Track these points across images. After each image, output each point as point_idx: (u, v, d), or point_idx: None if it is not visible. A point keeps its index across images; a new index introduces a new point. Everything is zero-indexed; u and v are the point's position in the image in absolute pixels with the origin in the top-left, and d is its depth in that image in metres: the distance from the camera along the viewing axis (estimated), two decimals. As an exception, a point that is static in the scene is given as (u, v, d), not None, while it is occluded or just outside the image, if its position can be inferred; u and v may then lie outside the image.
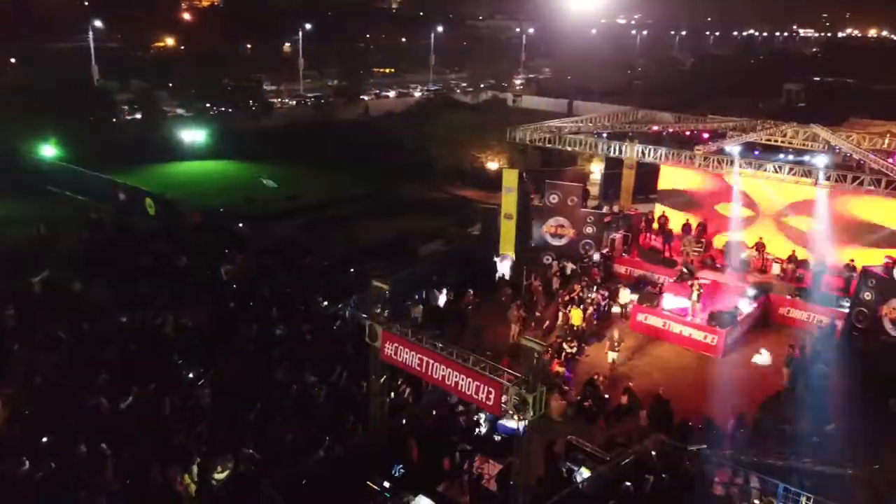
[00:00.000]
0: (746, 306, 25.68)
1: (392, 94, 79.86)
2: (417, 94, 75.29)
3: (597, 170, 42.83)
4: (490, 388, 13.42)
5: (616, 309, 26.88)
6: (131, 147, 47.57)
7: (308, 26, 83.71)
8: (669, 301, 25.43)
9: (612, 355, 22.43)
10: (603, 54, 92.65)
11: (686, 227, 30.66)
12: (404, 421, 17.58)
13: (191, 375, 19.12)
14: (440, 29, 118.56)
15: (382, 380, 16.14)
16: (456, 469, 16.38)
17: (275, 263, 27.62)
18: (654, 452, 16.48)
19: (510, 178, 28.00)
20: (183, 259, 28.01)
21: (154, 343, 20.89)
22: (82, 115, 45.96)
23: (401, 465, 16.03)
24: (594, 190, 40.29)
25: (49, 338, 20.90)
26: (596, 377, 21.26)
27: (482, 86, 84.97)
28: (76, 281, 24.54)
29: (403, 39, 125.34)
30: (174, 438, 16.48)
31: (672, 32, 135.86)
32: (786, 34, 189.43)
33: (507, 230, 28.55)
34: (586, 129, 30.85)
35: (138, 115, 54.85)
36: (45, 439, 16.02)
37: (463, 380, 13.86)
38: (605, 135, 31.82)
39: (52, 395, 17.99)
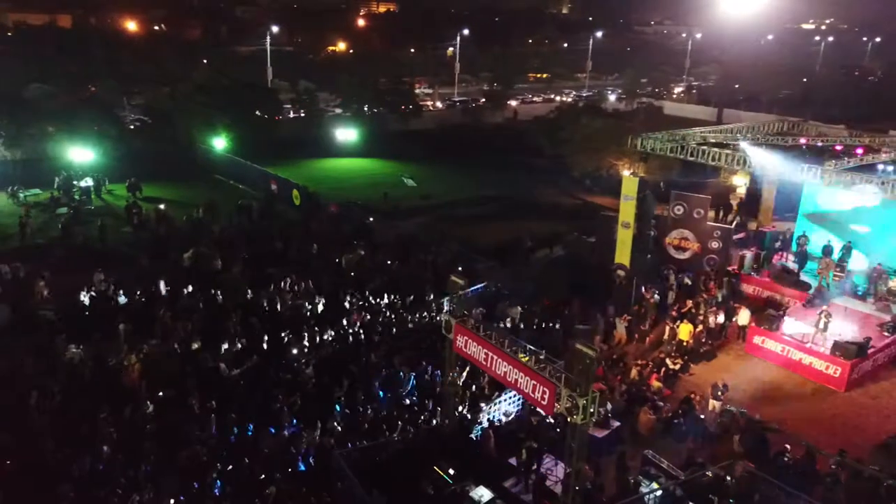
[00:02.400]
0: (882, 339, 23.38)
1: (538, 99, 79.97)
2: (567, 99, 74.79)
3: (742, 183, 40.48)
4: (545, 389, 13.64)
5: (734, 331, 25.51)
6: (291, 143, 51.80)
7: (466, 32, 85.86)
8: (791, 326, 23.80)
9: (713, 404, 20.32)
10: (776, 61, 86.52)
11: (827, 250, 28.35)
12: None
13: (295, 351, 20.91)
14: (604, 34, 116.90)
15: (465, 371, 16.79)
16: (524, 466, 16.68)
17: (392, 257, 29.09)
18: (728, 478, 15.73)
19: (630, 186, 27.46)
20: (314, 246, 30.35)
21: (271, 319, 23.01)
22: (251, 112, 50.75)
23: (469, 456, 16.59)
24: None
25: (188, 307, 23.74)
26: (693, 396, 20.55)
27: (639, 92, 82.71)
28: (217, 259, 27.50)
29: (565, 45, 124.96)
30: (272, 405, 18.21)
31: (865, 39, 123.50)
32: None
33: (624, 239, 28.02)
34: (722, 139, 29.49)
35: (301, 114, 59.55)
36: (160, 393, 18.35)
37: (522, 377, 14.19)
38: (742, 145, 30.20)
39: (181, 357, 20.52)
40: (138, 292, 24.68)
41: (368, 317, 23.41)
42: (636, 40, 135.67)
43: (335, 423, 17.42)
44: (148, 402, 17.90)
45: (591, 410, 13.22)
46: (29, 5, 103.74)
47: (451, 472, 15.99)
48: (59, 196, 36.90)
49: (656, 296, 26.02)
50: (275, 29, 72.73)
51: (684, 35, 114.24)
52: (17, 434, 16.46)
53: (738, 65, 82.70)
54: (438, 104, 74.52)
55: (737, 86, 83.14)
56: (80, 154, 40.48)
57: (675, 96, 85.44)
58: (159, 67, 65.12)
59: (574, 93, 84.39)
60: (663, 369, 22.45)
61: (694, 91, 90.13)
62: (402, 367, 20.02)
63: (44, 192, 37.39)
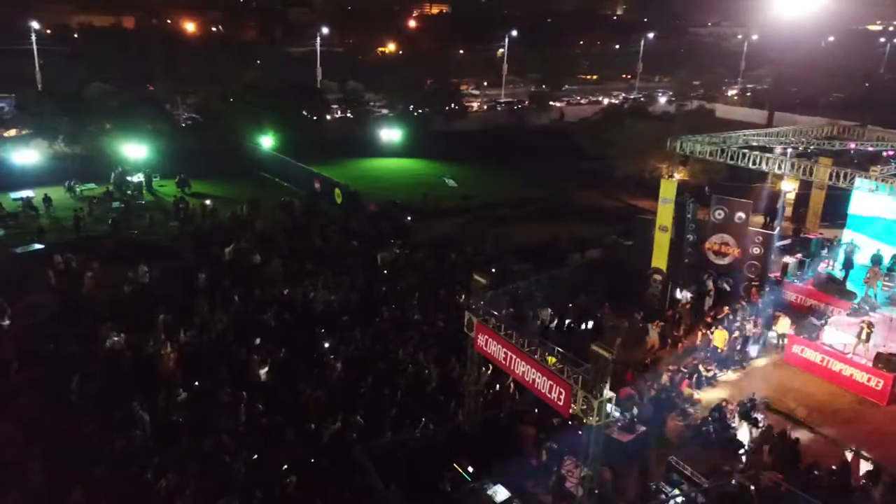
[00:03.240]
0: (929, 353, 22.42)
1: (584, 101, 79.27)
2: (614, 101, 73.90)
3: (791, 188, 39.33)
4: (562, 389, 13.62)
5: (772, 338, 24.87)
6: (337, 142, 52.64)
7: (514, 33, 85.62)
8: (831, 335, 23.06)
9: (747, 427, 19.13)
10: (836, 64, 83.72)
11: (876, 259, 27.35)
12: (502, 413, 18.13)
13: (326, 345, 21.31)
14: (658, 36, 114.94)
15: (488, 370, 16.83)
16: (544, 467, 16.65)
17: (426, 255, 29.31)
18: (752, 487, 15.41)
19: (668, 189, 27.00)
20: (353, 244, 30.84)
21: (304, 314, 23.50)
22: (298, 111, 51.74)
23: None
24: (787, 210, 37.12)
25: (225, 299, 24.43)
26: (725, 404, 20.13)
27: (690, 94, 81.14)
28: (256, 254, 28.20)
29: (617, 46, 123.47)
30: (300, 398, 18.63)
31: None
32: None
33: (661, 243, 27.56)
34: (766, 142, 28.73)
35: (348, 114, 60.38)
36: (196, 383, 18.97)
37: (539, 377, 14.19)
38: (788, 149, 29.40)
39: (216, 348, 21.16)
40: (180, 284, 25.52)
41: (399, 313, 23.64)
42: (691, 42, 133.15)
43: (358, 418, 17.69)
44: (181, 391, 18.54)
45: (608, 412, 13.11)
46: (94, 7, 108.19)
47: (470, 469, 16.10)
48: (113, 191, 38.34)
49: (690, 301, 25.51)
50: (325, 30, 73.78)
51: (740, 36, 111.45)
52: (58, 415, 17.26)
53: (796, 67, 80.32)
54: (484, 105, 74.49)
55: (794, 89, 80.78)
56: (134, 150, 41.98)
57: (729, 99, 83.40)
58: (214, 67, 66.98)
59: (623, 94, 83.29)
60: (695, 376, 22.05)
61: (748, 94, 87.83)
62: (429, 364, 20.18)
63: (98, 187, 38.92)
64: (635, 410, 19.28)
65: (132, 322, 22.40)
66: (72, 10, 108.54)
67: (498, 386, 19.31)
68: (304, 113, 52.21)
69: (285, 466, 15.85)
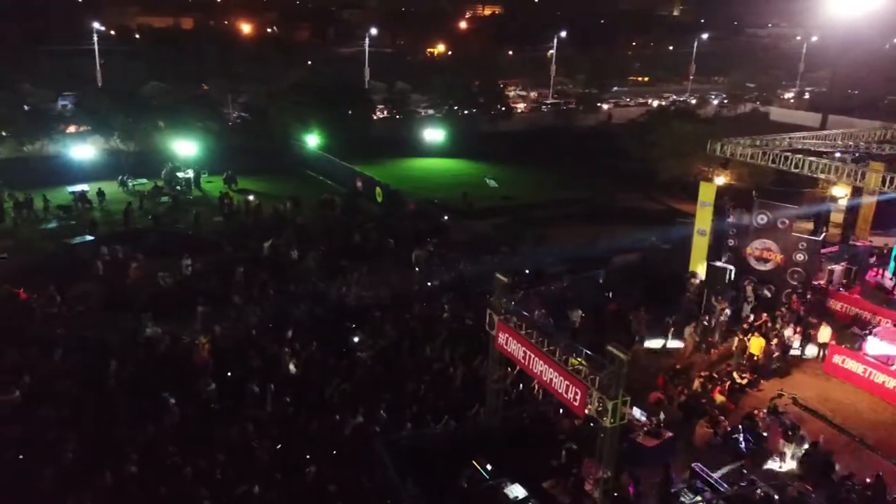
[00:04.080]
0: (979, 367, 21.46)
1: (631, 102, 78.14)
2: (662, 103, 72.53)
3: (843, 194, 38.00)
4: (577, 389, 13.55)
5: (812, 349, 24.14)
6: (381, 142, 53.16)
7: (563, 34, 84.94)
8: (874, 346, 22.27)
9: (787, 455, 18.15)
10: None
11: (930, 268, 26.33)
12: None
13: (356, 340, 21.63)
14: (714, 37, 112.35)
15: (517, 370, 16.81)
16: (563, 468, 16.56)
17: (464, 255, 29.40)
18: (776, 496, 15.02)
19: (707, 192, 26.54)
20: (390, 242, 31.16)
21: (337, 309, 23.88)
22: (344, 111, 52.46)
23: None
24: (837, 217, 35.89)
25: (261, 293, 25.02)
26: (756, 413, 19.66)
27: (744, 96, 79.09)
28: (294, 249, 28.77)
29: (671, 47, 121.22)
30: (325, 391, 18.97)
31: None
32: None
33: (700, 246, 27.08)
34: (814, 146, 27.92)
35: (395, 115, 60.88)
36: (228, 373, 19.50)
37: (556, 377, 14.14)
38: (841, 153, 28.53)
39: (248, 340, 21.69)
40: (219, 277, 26.24)
41: (430, 311, 23.82)
42: (748, 43, 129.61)
43: (381, 412, 17.91)
44: (211, 381, 19.08)
45: (626, 415, 12.99)
46: (156, 9, 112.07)
47: (489, 467, 16.13)
48: (163, 186, 39.61)
49: (728, 307, 24.93)
50: (374, 31, 74.57)
51: (799, 38, 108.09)
52: (94, 399, 17.97)
53: (856, 69, 77.49)
54: (530, 106, 74.17)
55: (856, 91, 77.98)
56: (185, 147, 43.25)
57: (785, 102, 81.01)
58: (265, 67, 68.48)
59: (674, 96, 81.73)
60: (728, 383, 21.57)
61: (806, 97, 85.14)
62: (455, 362, 20.28)
63: (149, 182, 40.24)
64: (662, 415, 18.99)
65: (173, 312, 23.17)
66: (136, 11, 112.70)
67: (521, 385, 19.25)
68: (350, 113, 52.80)
69: (308, 456, 16.15)
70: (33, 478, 14.74)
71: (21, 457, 15.62)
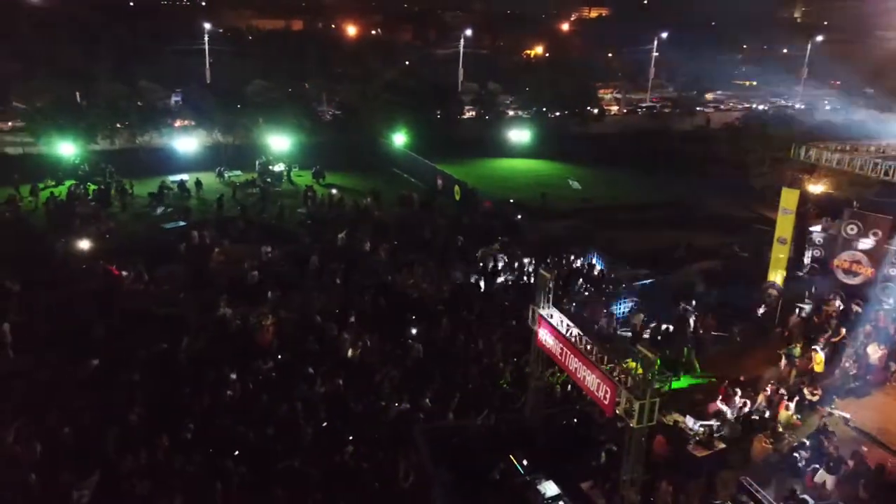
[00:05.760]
0: None
1: (726, 106, 74.74)
2: (763, 107, 69.03)
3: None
4: (607, 388, 13.36)
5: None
6: (468, 142, 53.63)
7: (664, 35, 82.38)
8: (967, 371, 20.48)
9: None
10: None
11: None
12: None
13: (414, 331, 22.10)
14: (834, 40, 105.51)
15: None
16: (602, 470, 16.30)
17: (533, 254, 29.29)
18: (823, 518, 14.18)
19: (789, 199, 25.18)
20: (459, 238, 31.50)
21: (399, 301, 24.43)
22: (432, 111, 53.28)
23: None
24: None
25: (330, 281, 25.98)
26: (824, 428, 18.56)
27: (862, 104, 73.82)
28: (367, 241, 29.64)
29: (785, 50, 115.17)
30: (375, 376, 19.52)
31: None
32: None
33: (779, 255, 25.73)
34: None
35: (484, 115, 61.17)
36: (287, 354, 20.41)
37: (589, 375, 13.98)
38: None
39: (311, 324, 22.62)
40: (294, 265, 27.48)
41: (489, 307, 23.97)
42: (874, 47, 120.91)
43: (426, 400, 18.24)
44: (271, 360, 20.05)
45: (651, 415, 12.70)
46: (269, 12, 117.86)
47: (525, 462, 16.11)
48: (255, 178, 41.70)
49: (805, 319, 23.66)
50: (468, 33, 75.21)
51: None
52: (163, 371, 19.31)
53: None
54: (624, 109, 72.55)
55: None
56: (279, 142, 45.35)
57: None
58: (363, 67, 70.52)
59: (781, 101, 77.55)
60: (796, 398, 20.44)
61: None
62: (506, 358, 20.35)
63: (244, 174, 42.50)
64: (714, 425, 18.30)
65: (248, 295, 24.49)
66: (251, 14, 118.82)
67: (570, 386, 19.05)
68: (439, 112, 53.59)
69: (350, 438, 16.70)
70: (98, 439, 16.00)
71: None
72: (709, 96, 79.89)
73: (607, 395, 13.34)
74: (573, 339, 14.58)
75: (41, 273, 25.66)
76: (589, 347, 14.07)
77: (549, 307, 15.81)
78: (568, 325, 14.93)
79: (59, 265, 26.85)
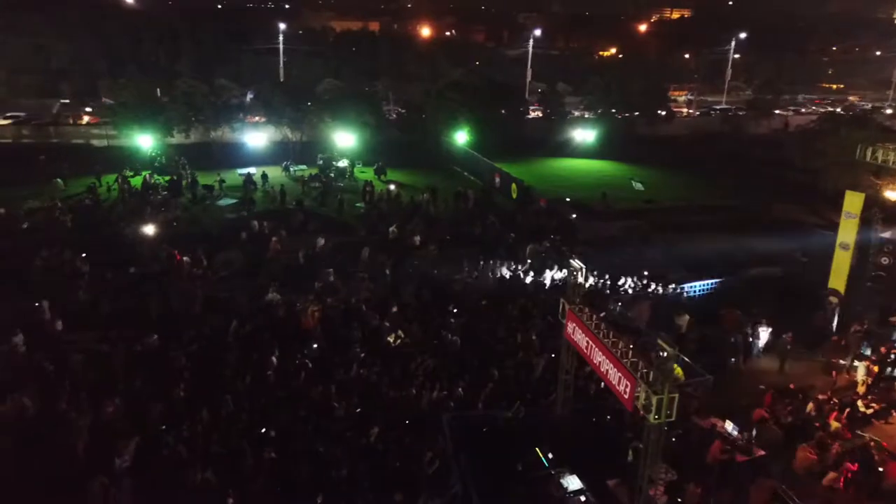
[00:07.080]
0: None
1: (804, 109, 71.34)
2: (838, 110, 65.55)
3: None
4: (627, 382, 13.17)
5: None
6: (532, 141, 53.43)
7: (742, 35, 79.53)
8: None
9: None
10: None
11: None
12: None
13: (452, 321, 22.30)
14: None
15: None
16: (630, 468, 16.04)
17: (573, 253, 28.96)
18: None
19: (853, 203, 24.02)
20: (510, 235, 31.50)
21: (441, 293, 24.69)
22: (496, 110, 53.24)
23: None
24: None
25: (379, 273, 26.51)
26: (873, 444, 17.71)
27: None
28: (417, 235, 30.05)
29: (878, 52, 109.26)
30: (410, 364, 19.83)
31: None
32: None
33: (841, 262, 24.59)
34: None
35: (550, 115, 60.59)
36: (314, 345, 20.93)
37: (611, 368, 13.83)
38: None
39: (355, 312, 23.14)
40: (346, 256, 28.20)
41: (531, 303, 23.92)
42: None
43: (459, 389, 18.40)
44: (314, 344, 20.66)
45: (670, 412, 12.47)
46: (348, 13, 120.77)
47: (550, 456, 16.06)
48: (319, 173, 42.82)
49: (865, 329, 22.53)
50: (537, 33, 74.77)
51: None
52: (211, 351, 20.19)
53: None
54: (696, 111, 70.50)
55: None
56: (344, 139, 46.40)
57: None
58: (433, 67, 71.22)
59: (869, 105, 73.61)
60: (847, 410, 19.53)
61: None
62: (541, 353, 20.30)
63: (309, 169, 43.73)
64: (754, 432, 17.71)
65: (299, 283, 25.28)
66: (331, 16, 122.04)
67: (602, 383, 18.79)
68: (503, 112, 53.57)
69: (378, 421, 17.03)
70: (143, 413, 16.92)
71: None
72: (788, 98, 76.70)
73: (627, 390, 13.17)
74: (599, 333, 14.44)
75: (110, 256, 27.29)
76: (614, 341, 13.90)
77: (577, 300, 15.69)
78: (595, 319, 14.79)
79: (127, 249, 28.41)
